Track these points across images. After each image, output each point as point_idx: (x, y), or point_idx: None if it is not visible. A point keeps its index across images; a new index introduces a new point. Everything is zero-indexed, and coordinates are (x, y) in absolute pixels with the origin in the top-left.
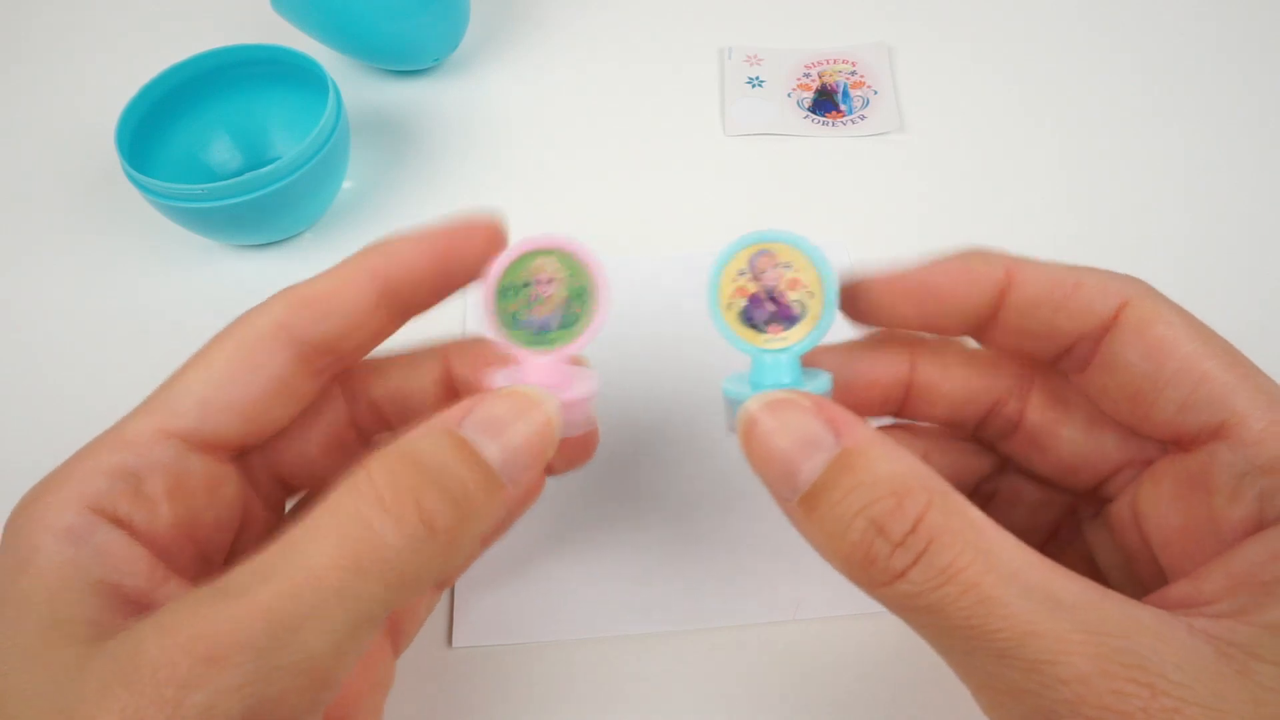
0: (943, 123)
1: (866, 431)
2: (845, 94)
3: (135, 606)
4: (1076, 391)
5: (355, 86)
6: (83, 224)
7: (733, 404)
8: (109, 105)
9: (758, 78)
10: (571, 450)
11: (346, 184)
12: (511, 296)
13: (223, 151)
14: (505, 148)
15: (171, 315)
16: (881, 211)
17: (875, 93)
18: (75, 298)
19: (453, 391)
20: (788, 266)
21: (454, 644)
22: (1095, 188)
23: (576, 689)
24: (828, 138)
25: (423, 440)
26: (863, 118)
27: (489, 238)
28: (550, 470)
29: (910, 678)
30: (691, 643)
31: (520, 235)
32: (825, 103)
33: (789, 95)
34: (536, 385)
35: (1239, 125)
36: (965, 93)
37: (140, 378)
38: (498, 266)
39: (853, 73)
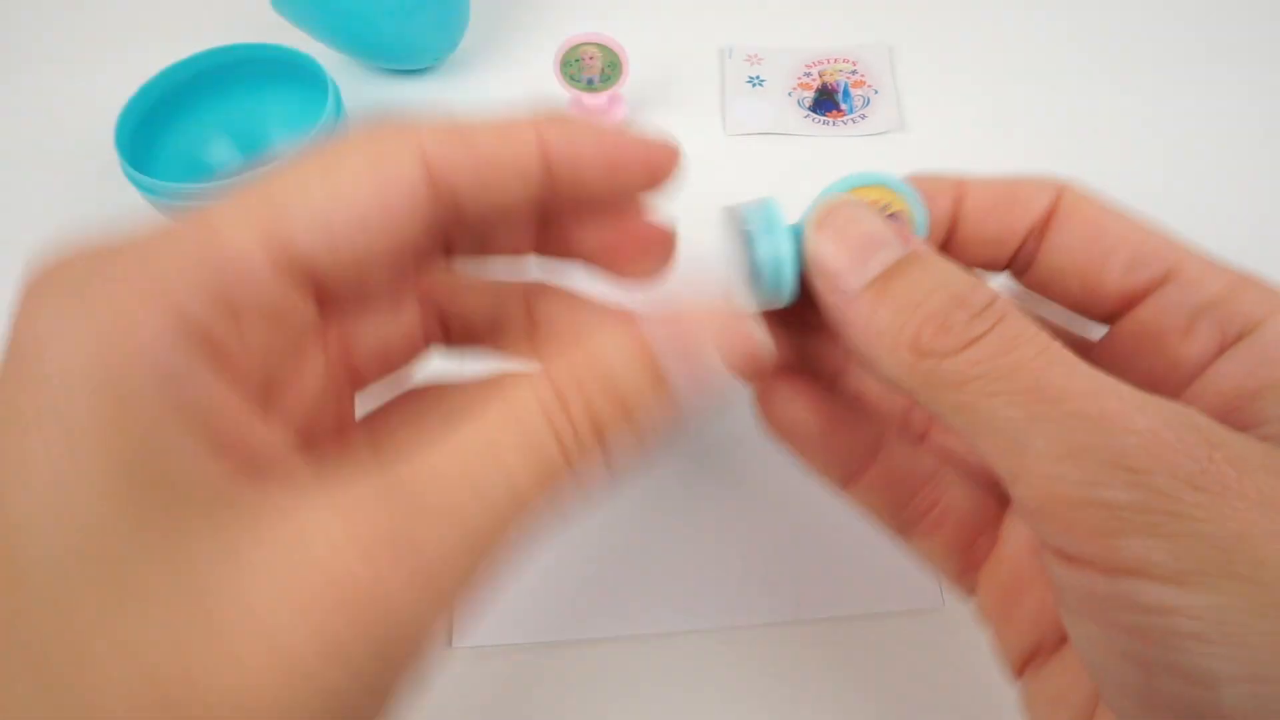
0: (943, 123)
1: (929, 247)
2: (846, 93)
3: (243, 466)
4: None
5: (355, 86)
6: (83, 223)
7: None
8: (109, 105)
9: (758, 77)
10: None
11: None
12: (572, 64)
13: (222, 151)
14: None
15: None
16: None
17: (876, 92)
18: None
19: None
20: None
21: (454, 644)
22: (1096, 187)
23: (576, 689)
24: (828, 137)
25: (610, 347)
26: (863, 117)
27: (665, 161)
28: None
29: (910, 678)
30: (692, 643)
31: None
32: (826, 102)
33: (789, 95)
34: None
35: (1242, 124)
36: (965, 93)
37: None
38: (561, 49)
39: (853, 72)
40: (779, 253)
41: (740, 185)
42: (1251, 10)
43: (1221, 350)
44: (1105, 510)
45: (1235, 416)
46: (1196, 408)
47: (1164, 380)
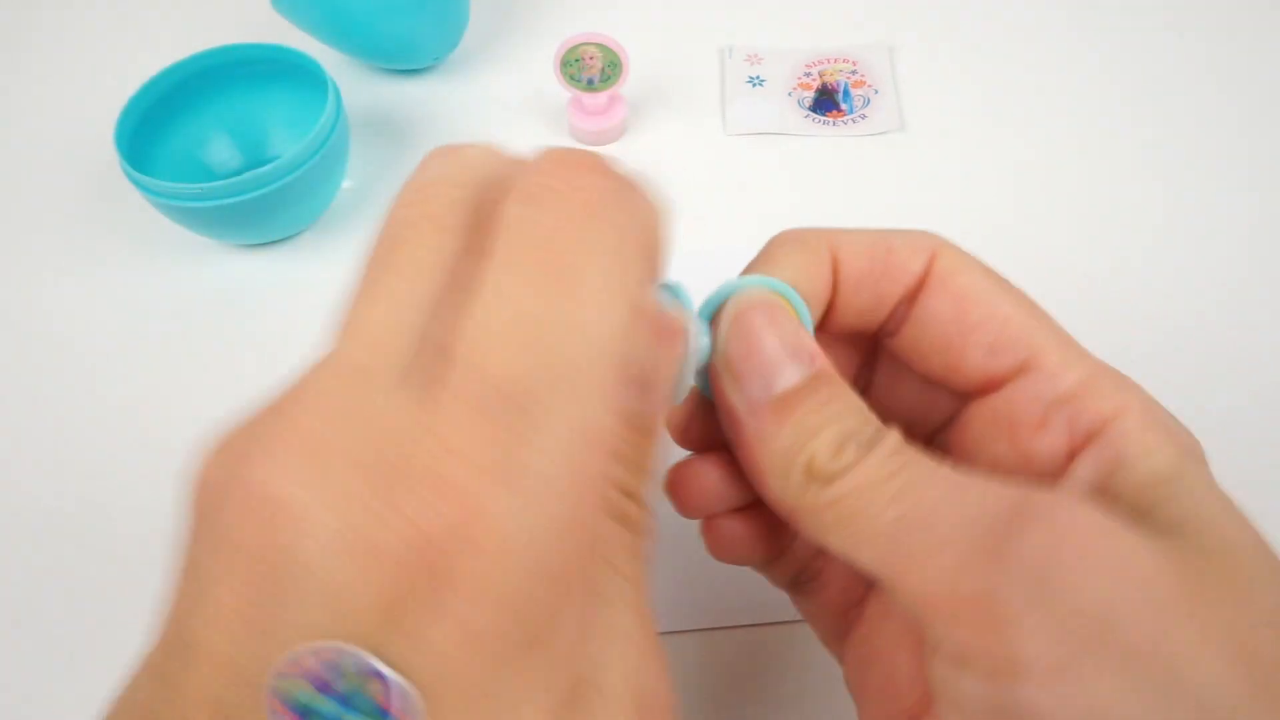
0: (943, 123)
1: (830, 365)
2: (846, 93)
3: None
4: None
5: (355, 86)
6: (82, 223)
7: (709, 304)
8: (108, 104)
9: (758, 77)
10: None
11: (346, 184)
12: (572, 64)
13: (222, 151)
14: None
15: (171, 315)
16: (882, 211)
17: (876, 92)
18: (74, 297)
19: None
20: None
21: None
22: (1096, 187)
23: None
24: (828, 137)
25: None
26: (863, 117)
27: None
28: None
29: None
30: (692, 643)
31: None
32: (826, 102)
33: (789, 94)
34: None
35: (1241, 123)
36: (965, 93)
37: (140, 377)
38: (561, 48)
39: (853, 72)
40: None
41: (740, 185)
42: (1256, 12)
43: (1071, 448)
44: (979, 601)
45: None
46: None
47: (1015, 471)
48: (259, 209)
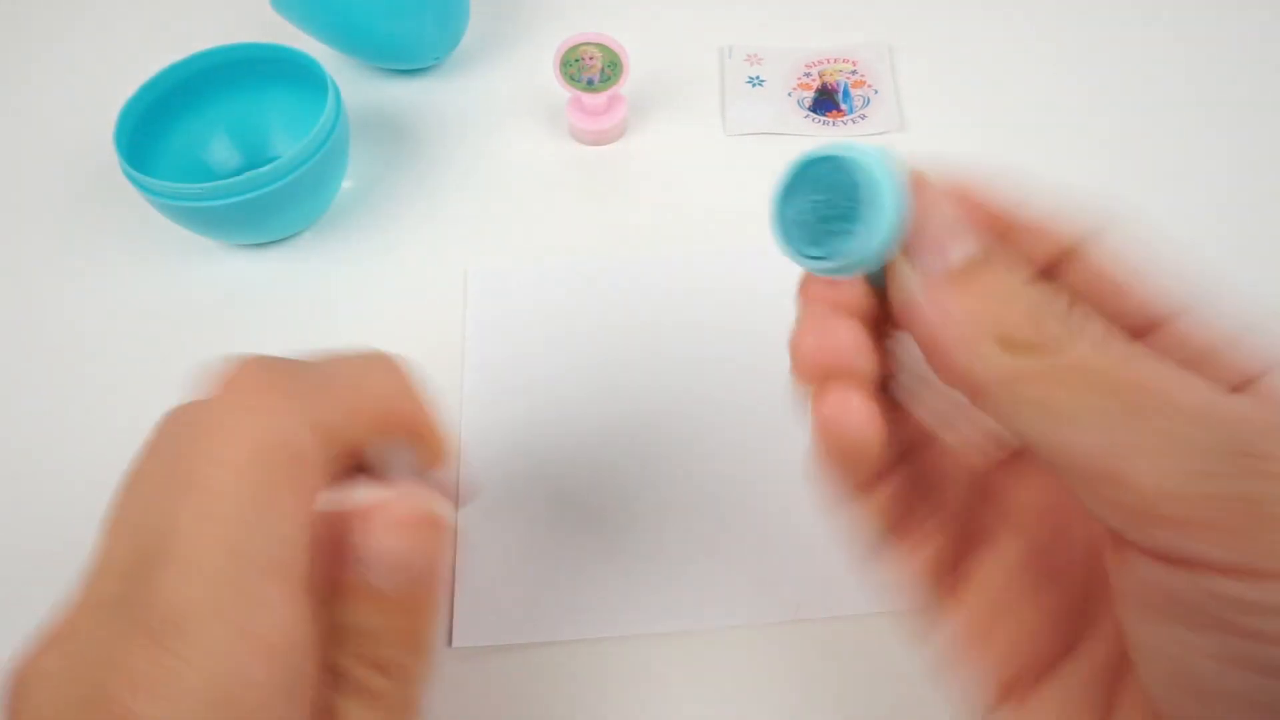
0: (943, 123)
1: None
2: (846, 93)
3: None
4: None
5: (355, 86)
6: (82, 223)
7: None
8: (108, 105)
9: (758, 77)
10: None
11: (346, 184)
12: (572, 64)
13: (222, 151)
14: (506, 147)
15: (171, 315)
16: None
17: (876, 92)
18: (74, 297)
19: None
20: None
21: (454, 644)
22: (1095, 186)
23: (576, 689)
24: (828, 137)
25: (350, 615)
26: (863, 117)
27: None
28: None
29: (909, 679)
30: (692, 643)
31: (571, 33)
32: (826, 102)
33: (789, 95)
34: (428, 494)
35: (1240, 122)
36: (965, 93)
37: (140, 376)
38: (561, 48)
39: (853, 72)
40: (900, 204)
41: (740, 185)
42: (1257, 9)
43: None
44: (1233, 504)
45: None
46: None
47: None
48: (259, 209)
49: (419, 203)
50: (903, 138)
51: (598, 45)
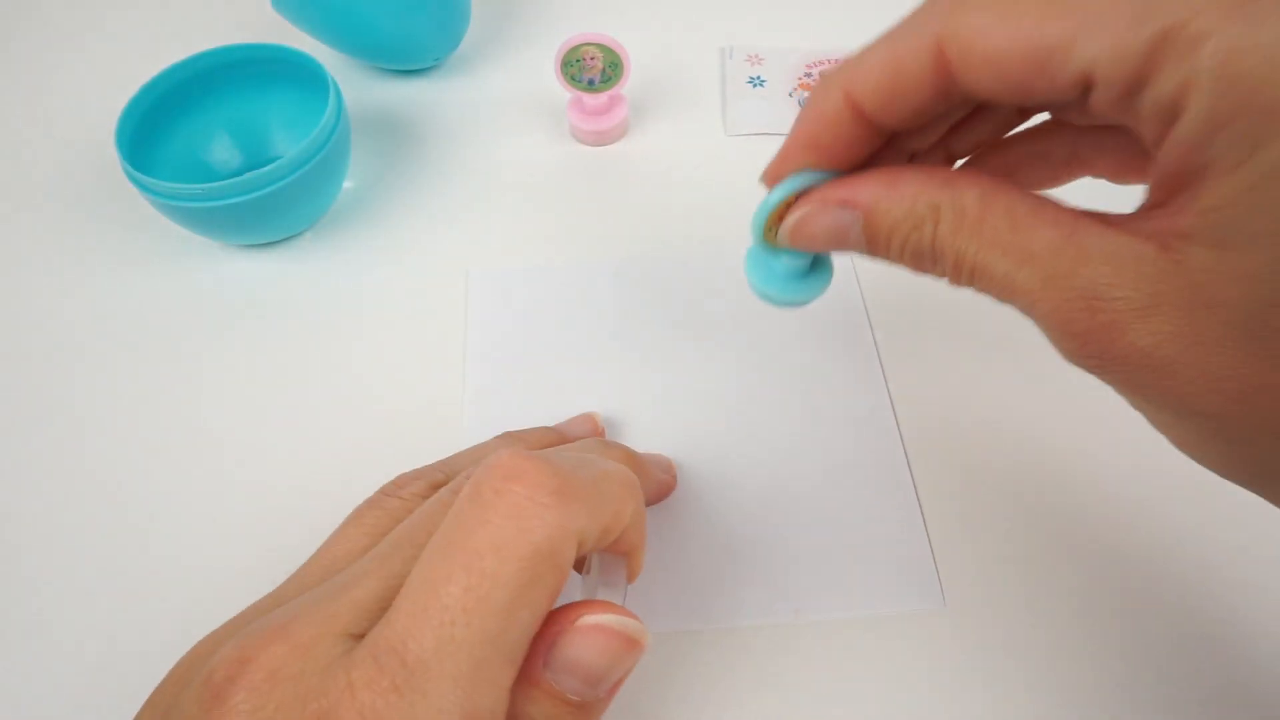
0: None
1: (869, 185)
2: None
3: None
4: None
5: (355, 86)
6: (83, 224)
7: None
8: (109, 105)
9: (758, 77)
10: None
11: (346, 184)
12: (573, 65)
13: (223, 151)
14: (506, 147)
15: (171, 315)
16: None
17: None
18: (75, 297)
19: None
20: None
21: None
22: (1095, 186)
23: None
24: None
25: (524, 704)
26: None
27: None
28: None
29: (910, 678)
30: (692, 643)
31: (572, 33)
32: None
33: (790, 95)
34: (636, 620)
35: None
36: None
37: (140, 377)
38: (562, 49)
39: None
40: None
41: (741, 185)
42: None
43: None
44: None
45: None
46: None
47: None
48: (260, 209)
49: (420, 203)
50: None
51: (598, 45)
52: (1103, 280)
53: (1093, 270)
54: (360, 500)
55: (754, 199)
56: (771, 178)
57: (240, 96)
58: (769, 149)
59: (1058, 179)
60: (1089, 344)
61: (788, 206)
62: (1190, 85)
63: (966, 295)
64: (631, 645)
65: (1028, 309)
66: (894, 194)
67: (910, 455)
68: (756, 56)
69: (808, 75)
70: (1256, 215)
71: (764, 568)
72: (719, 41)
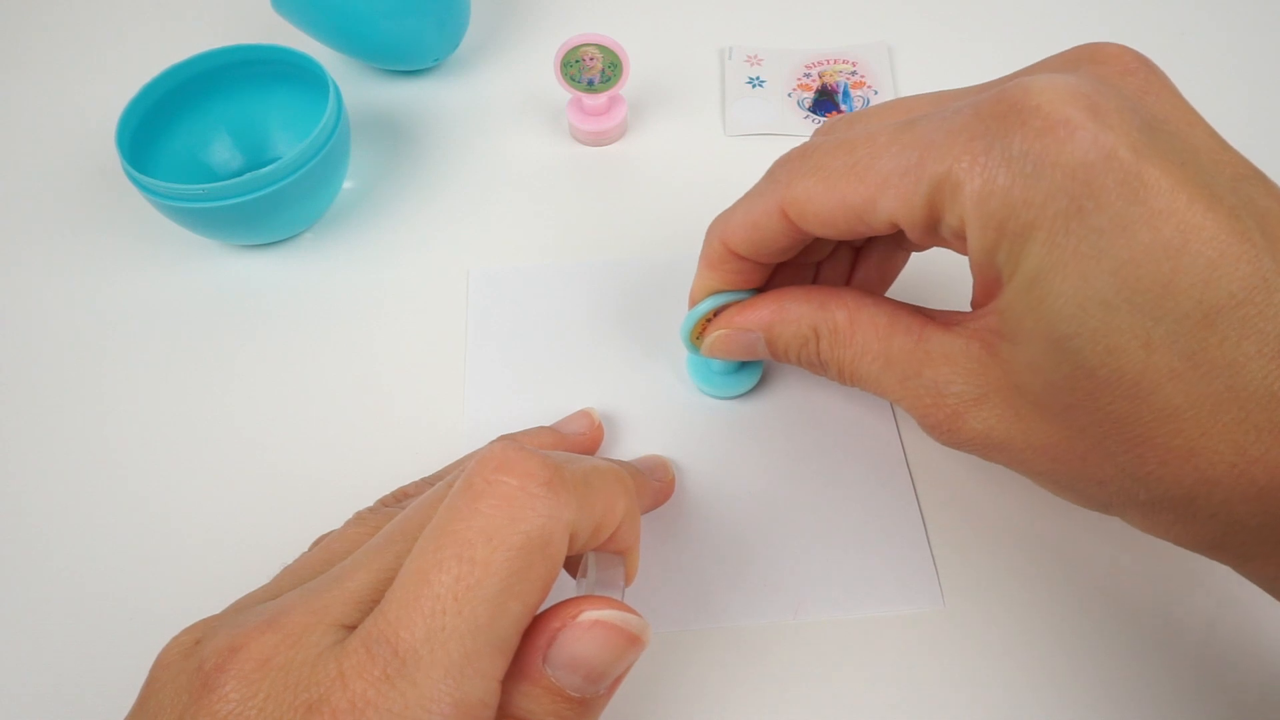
0: None
1: (763, 313)
2: (846, 94)
3: None
4: None
5: (355, 86)
6: (83, 224)
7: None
8: (109, 105)
9: (758, 78)
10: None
11: (346, 184)
12: (572, 65)
13: (223, 151)
14: (506, 148)
15: (171, 315)
16: None
17: (876, 93)
18: (75, 297)
19: None
20: None
21: None
22: None
23: None
24: None
25: (523, 699)
26: None
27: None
28: None
29: (910, 678)
30: (692, 643)
31: (572, 34)
32: (826, 103)
33: (789, 95)
34: (636, 615)
35: (1240, 125)
36: None
37: (140, 377)
38: (561, 49)
39: (853, 73)
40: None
41: (741, 186)
42: (1258, 14)
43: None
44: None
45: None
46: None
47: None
48: (260, 210)
49: (419, 203)
50: None
51: (598, 46)
52: (943, 378)
53: (935, 370)
54: (360, 500)
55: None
56: (691, 301)
57: (240, 97)
58: (768, 149)
59: (924, 247)
60: (941, 431)
61: (707, 322)
62: (964, 221)
63: (964, 297)
64: (633, 641)
65: (895, 403)
66: (782, 319)
67: (909, 454)
68: (756, 57)
69: (807, 75)
70: (1027, 315)
71: (764, 568)
72: (718, 42)
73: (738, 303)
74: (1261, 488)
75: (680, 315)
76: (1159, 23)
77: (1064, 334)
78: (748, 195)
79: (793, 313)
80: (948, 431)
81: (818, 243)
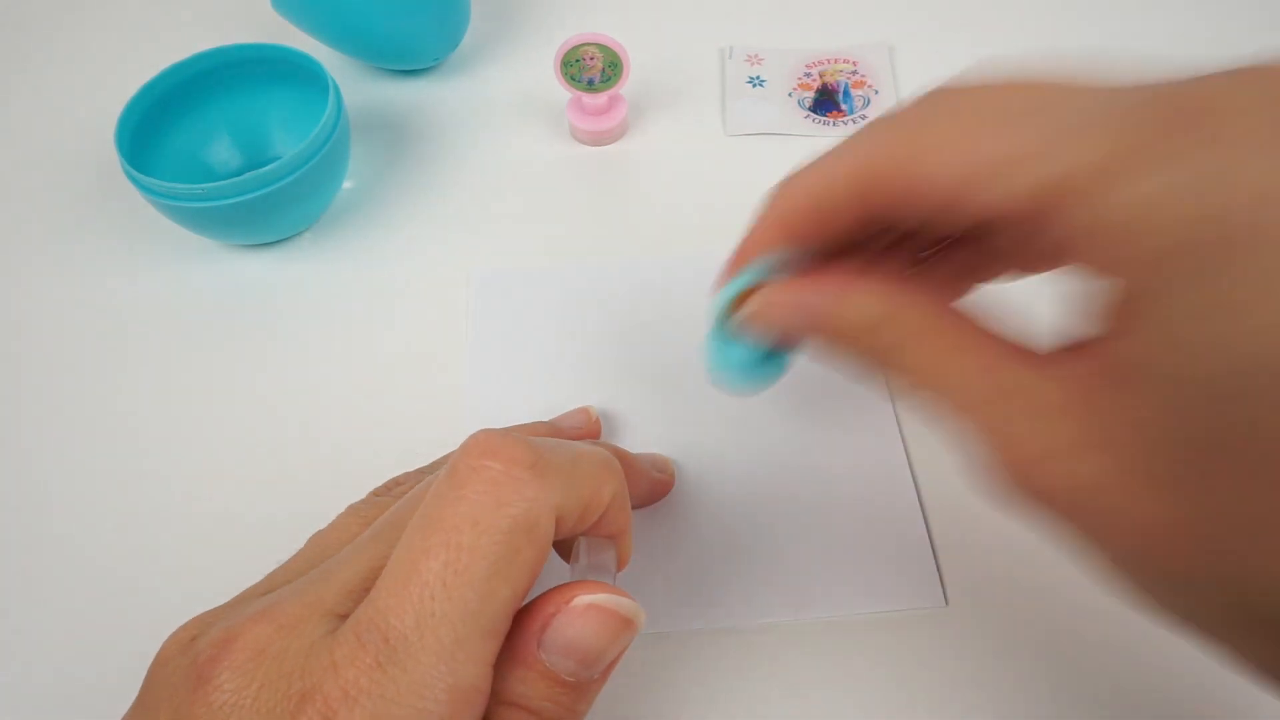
0: None
1: (828, 284)
2: (846, 94)
3: None
4: None
5: (355, 86)
6: (82, 224)
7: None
8: (109, 105)
9: (758, 77)
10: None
11: (346, 184)
12: (573, 65)
13: (223, 151)
14: (506, 148)
15: (170, 315)
16: None
17: (876, 92)
18: (75, 297)
19: None
20: None
21: None
22: None
23: None
24: (829, 138)
25: (518, 685)
26: (864, 117)
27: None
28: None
29: (910, 678)
30: (692, 643)
31: (572, 34)
32: (826, 102)
33: (790, 95)
34: (629, 599)
35: None
36: None
37: (138, 377)
38: (561, 49)
39: (854, 72)
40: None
41: (740, 185)
42: (1257, 15)
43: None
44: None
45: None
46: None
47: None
48: (260, 209)
49: (419, 203)
50: None
51: (598, 45)
52: (1032, 411)
53: (1025, 400)
54: (359, 498)
55: (754, 199)
56: (730, 268)
57: (240, 96)
58: (769, 149)
59: (1000, 272)
60: (1018, 473)
61: (747, 294)
62: (1100, 227)
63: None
64: (626, 624)
65: (966, 429)
66: (848, 301)
67: (911, 452)
68: (756, 56)
69: (807, 75)
70: (1168, 359)
71: (764, 567)
72: (719, 41)
73: (791, 280)
74: None
75: (680, 315)
76: (1157, 23)
77: (1223, 392)
78: (823, 155)
79: (861, 296)
80: (1025, 477)
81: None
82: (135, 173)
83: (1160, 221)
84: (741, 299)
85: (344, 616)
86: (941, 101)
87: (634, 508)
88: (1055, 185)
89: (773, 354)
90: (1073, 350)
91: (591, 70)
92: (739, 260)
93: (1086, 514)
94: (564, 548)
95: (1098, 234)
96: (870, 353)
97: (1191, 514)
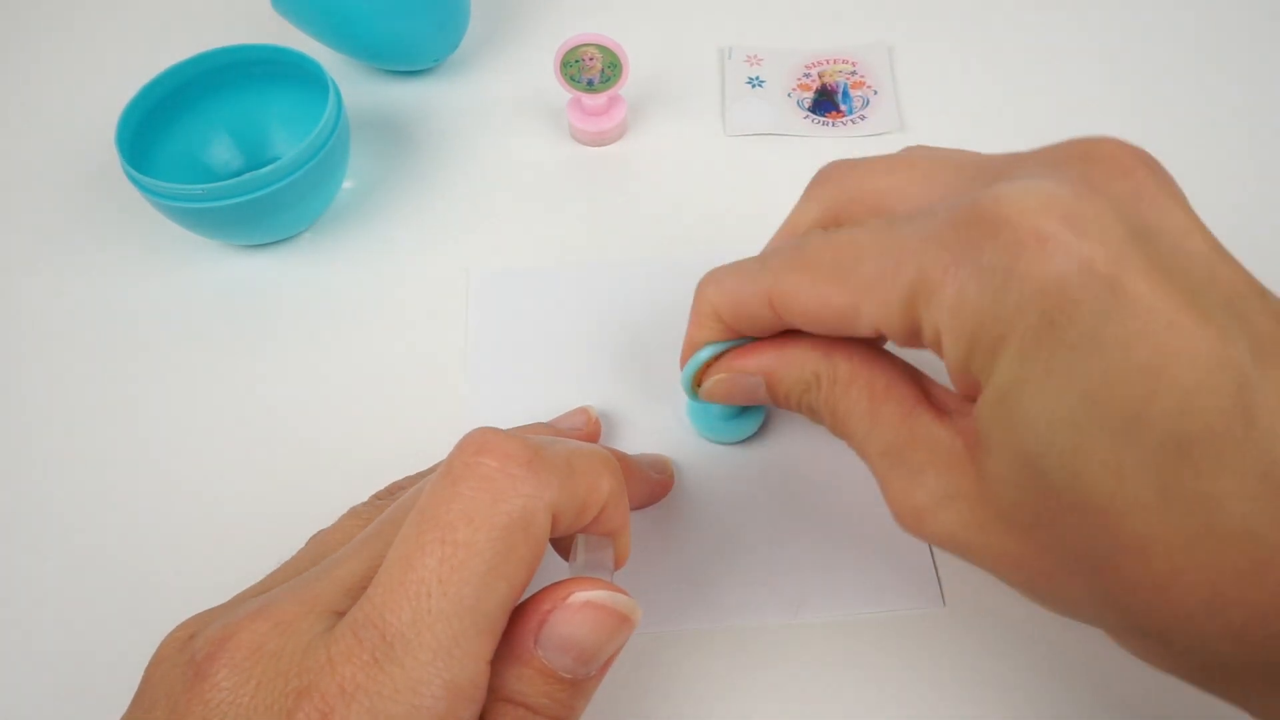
0: (943, 123)
1: (765, 357)
2: (845, 94)
3: None
4: None
5: (355, 86)
6: (82, 224)
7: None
8: (109, 105)
9: (758, 78)
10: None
11: (346, 184)
12: (572, 65)
13: (223, 151)
14: (506, 148)
15: (171, 315)
16: None
17: (875, 93)
18: (74, 297)
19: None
20: None
21: None
22: None
23: None
24: (828, 138)
25: (515, 682)
26: (863, 118)
27: None
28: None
29: (910, 678)
30: (691, 643)
31: (571, 34)
32: (825, 103)
33: (789, 95)
34: (626, 595)
35: (1238, 125)
36: (965, 93)
37: (140, 377)
38: (561, 49)
39: (853, 73)
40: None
41: (740, 186)
42: (1251, 11)
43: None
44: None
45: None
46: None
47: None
48: (260, 209)
49: (419, 203)
50: (902, 138)
51: (598, 46)
52: (919, 466)
53: (915, 454)
54: (357, 500)
55: (754, 200)
56: (685, 350)
57: (240, 96)
58: (768, 149)
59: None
60: (907, 521)
61: (706, 369)
62: (940, 330)
63: None
64: (623, 621)
65: (872, 472)
66: (785, 363)
67: None
68: (756, 57)
69: (807, 75)
70: (996, 428)
71: (763, 568)
72: (718, 42)
73: (739, 347)
74: (1239, 628)
75: (679, 316)
76: (1154, 22)
77: (1032, 452)
78: (739, 268)
79: (796, 357)
80: (913, 524)
81: None
82: (135, 173)
83: (977, 319)
84: (705, 370)
85: (341, 614)
86: (808, 249)
87: (633, 509)
88: (904, 305)
89: (744, 410)
90: (965, 409)
91: (591, 71)
92: (688, 350)
93: (967, 553)
94: (562, 545)
95: (945, 332)
96: (809, 410)
97: (1035, 552)
